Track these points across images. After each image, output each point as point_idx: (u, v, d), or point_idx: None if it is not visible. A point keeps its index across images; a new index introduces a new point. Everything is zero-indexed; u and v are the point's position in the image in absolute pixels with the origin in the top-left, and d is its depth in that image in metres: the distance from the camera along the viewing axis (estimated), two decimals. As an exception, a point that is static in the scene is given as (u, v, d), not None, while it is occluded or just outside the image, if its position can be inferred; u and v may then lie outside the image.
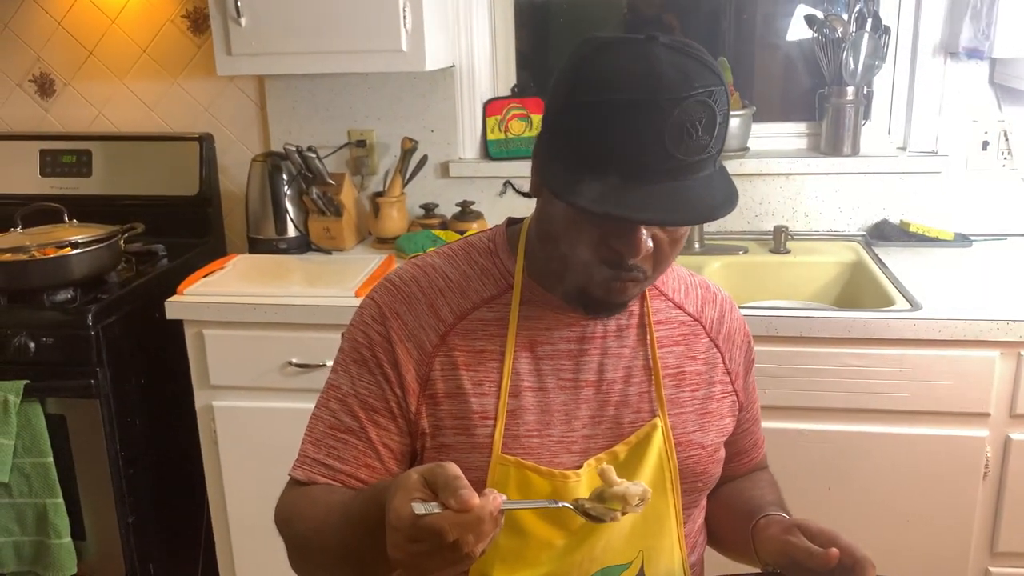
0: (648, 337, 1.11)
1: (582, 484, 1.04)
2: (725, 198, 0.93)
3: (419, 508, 0.78)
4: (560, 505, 0.93)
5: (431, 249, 2.21)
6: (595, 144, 0.90)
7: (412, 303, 1.08)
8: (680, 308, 1.15)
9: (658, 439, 1.08)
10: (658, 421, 1.09)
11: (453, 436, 1.05)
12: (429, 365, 1.06)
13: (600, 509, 0.91)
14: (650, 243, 0.95)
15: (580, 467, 1.05)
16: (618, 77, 0.89)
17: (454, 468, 0.81)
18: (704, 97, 0.88)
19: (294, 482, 1.09)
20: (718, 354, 1.16)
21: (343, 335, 1.13)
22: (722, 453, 1.15)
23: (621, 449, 1.08)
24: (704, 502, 1.19)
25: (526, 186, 1.09)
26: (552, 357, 1.07)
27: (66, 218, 2.25)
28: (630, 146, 0.88)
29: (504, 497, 0.82)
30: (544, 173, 0.97)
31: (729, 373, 1.17)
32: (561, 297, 1.05)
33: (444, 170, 2.54)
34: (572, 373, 1.08)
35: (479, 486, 1.00)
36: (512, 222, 1.15)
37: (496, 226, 1.15)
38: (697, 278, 1.21)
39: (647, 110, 0.87)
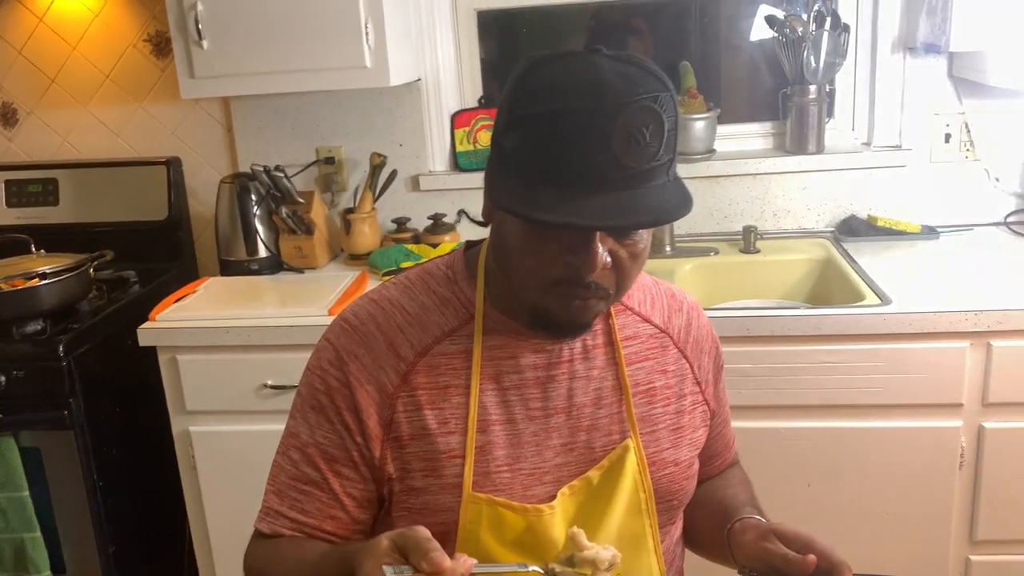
0: (616, 355, 1.09)
1: (556, 516, 1.03)
2: (679, 202, 0.90)
3: (389, 571, 0.79)
4: (530, 569, 0.92)
5: (406, 262, 2.22)
6: (542, 156, 0.88)
7: (370, 343, 1.04)
8: (647, 321, 1.13)
9: (631, 461, 1.06)
10: (630, 442, 1.07)
11: (422, 478, 1.02)
12: (392, 407, 1.02)
13: (570, 573, 0.92)
14: (607, 257, 0.92)
15: (554, 497, 1.04)
16: (560, 87, 0.88)
17: (424, 531, 0.81)
18: (649, 102, 0.86)
19: (259, 534, 1.06)
20: (687, 365, 1.14)
21: (307, 368, 1.09)
22: (696, 467, 1.14)
23: (594, 474, 1.06)
24: (681, 515, 1.18)
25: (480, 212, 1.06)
26: (519, 387, 1.04)
27: (33, 248, 2.23)
28: (577, 156, 0.86)
29: (474, 561, 0.82)
30: (493, 191, 0.94)
31: (699, 383, 1.15)
32: (523, 322, 1.03)
33: (414, 184, 2.53)
34: (541, 401, 1.05)
35: (451, 527, 1.00)
36: (470, 245, 1.12)
37: (454, 251, 1.12)
38: (662, 286, 1.19)
39: (591, 117, 0.85)
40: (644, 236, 0.96)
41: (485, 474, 1.02)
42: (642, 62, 0.90)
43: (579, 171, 0.87)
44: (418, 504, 1.03)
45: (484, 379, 1.03)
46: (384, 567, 0.79)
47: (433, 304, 1.06)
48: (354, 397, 1.02)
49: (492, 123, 2.48)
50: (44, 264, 2.12)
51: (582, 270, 0.92)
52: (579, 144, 0.86)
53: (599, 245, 0.91)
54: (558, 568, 0.92)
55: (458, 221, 2.50)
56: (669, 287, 1.20)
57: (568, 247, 0.92)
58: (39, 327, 2.07)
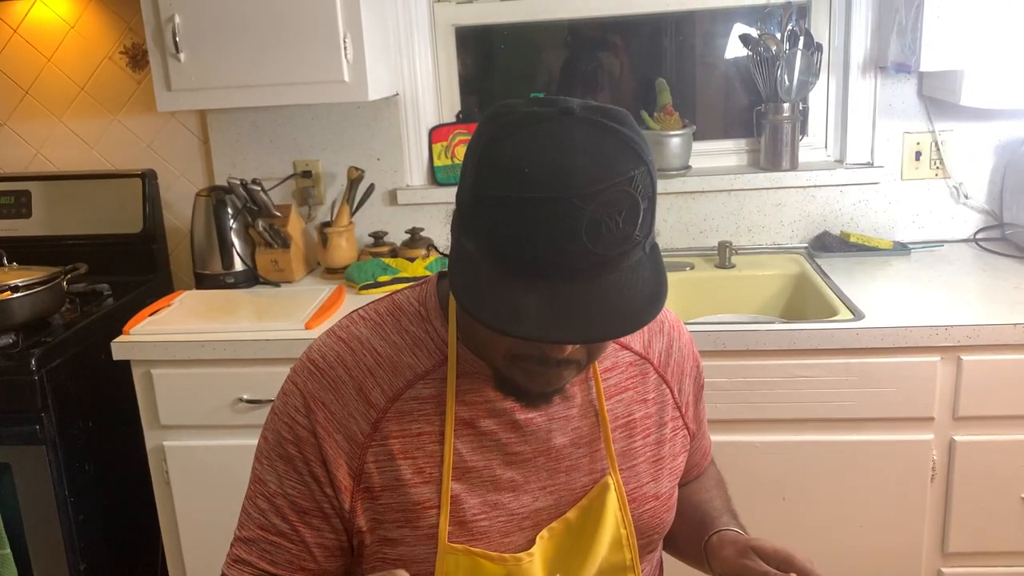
0: (595, 390, 1.05)
1: (535, 563, 1.01)
2: (653, 293, 0.84)
3: None
4: None
5: (383, 276, 2.22)
6: (504, 244, 0.81)
7: (338, 388, 0.99)
8: (626, 348, 1.10)
9: (612, 499, 1.04)
10: (609, 479, 1.04)
11: (396, 529, 0.98)
12: (362, 457, 0.98)
13: None
14: None
15: (533, 543, 1.02)
16: (526, 170, 0.79)
17: (404, 574, 0.78)
18: (623, 186, 0.79)
19: None
20: (667, 390, 1.12)
21: (273, 412, 1.04)
22: (676, 497, 1.13)
23: (573, 514, 1.04)
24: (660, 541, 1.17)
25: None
26: (495, 431, 1.00)
27: (5, 261, 2.21)
28: (543, 247, 0.79)
29: None
30: (451, 275, 0.86)
31: (679, 407, 1.13)
32: (494, 385, 0.98)
33: (392, 198, 2.54)
34: (518, 446, 1.01)
35: None
36: (443, 275, 1.05)
37: (425, 281, 1.06)
38: None
39: (559, 208, 0.78)
40: None
41: (461, 523, 0.99)
42: (618, 127, 0.82)
43: (542, 262, 0.80)
44: (393, 555, 1.00)
45: (459, 424, 0.99)
46: None
47: (405, 344, 1.00)
48: (321, 447, 0.98)
49: (470, 138, 2.51)
50: (16, 277, 2.09)
51: (550, 352, 0.88)
52: (546, 233, 0.79)
53: None
54: None
55: (427, 255, 2.45)
56: None
57: None
58: (11, 340, 2.05)
